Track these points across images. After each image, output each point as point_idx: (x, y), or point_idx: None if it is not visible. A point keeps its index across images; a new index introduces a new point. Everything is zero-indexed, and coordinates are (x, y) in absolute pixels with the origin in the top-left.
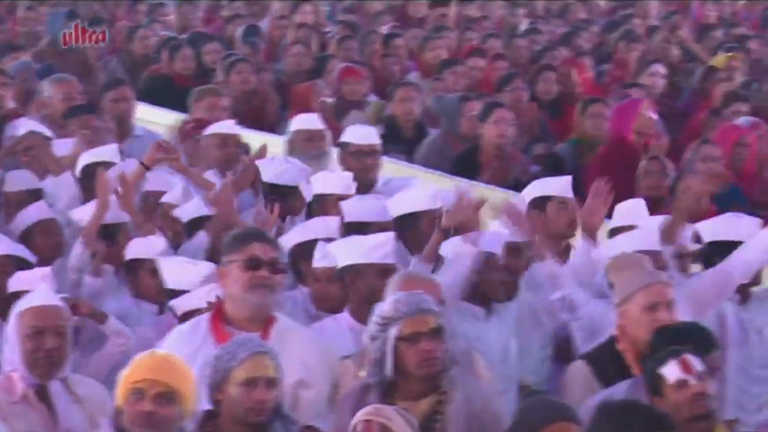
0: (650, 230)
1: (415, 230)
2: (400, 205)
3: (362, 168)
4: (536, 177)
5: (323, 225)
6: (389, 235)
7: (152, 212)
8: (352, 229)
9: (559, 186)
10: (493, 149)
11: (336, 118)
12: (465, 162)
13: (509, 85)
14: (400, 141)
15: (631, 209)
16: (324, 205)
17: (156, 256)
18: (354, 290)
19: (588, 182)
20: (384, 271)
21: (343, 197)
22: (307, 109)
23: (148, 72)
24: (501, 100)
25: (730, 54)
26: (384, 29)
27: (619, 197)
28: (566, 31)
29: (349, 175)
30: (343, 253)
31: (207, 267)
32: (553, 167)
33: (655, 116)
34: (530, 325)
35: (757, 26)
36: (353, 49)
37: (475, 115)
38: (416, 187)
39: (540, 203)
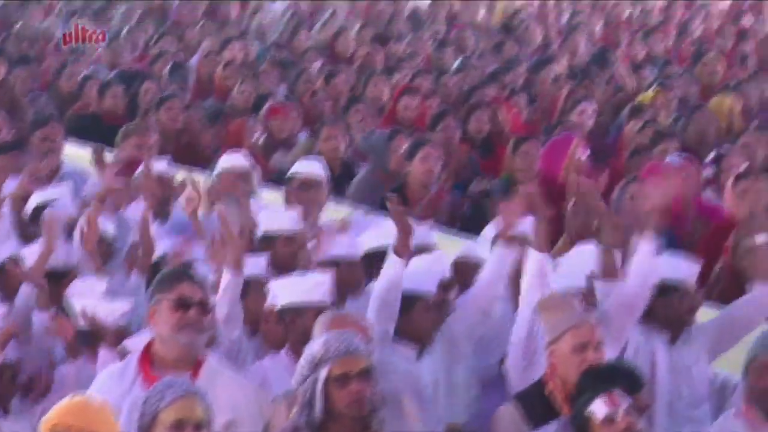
0: (579, 267)
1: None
2: (372, 240)
3: (309, 201)
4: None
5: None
6: (327, 275)
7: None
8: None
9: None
10: (420, 186)
11: (264, 156)
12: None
13: (441, 123)
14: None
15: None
16: (271, 243)
17: (92, 298)
18: (293, 329)
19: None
20: (322, 310)
21: (290, 234)
22: (238, 147)
23: (75, 110)
24: (432, 138)
25: (656, 90)
26: (315, 66)
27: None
28: (496, 69)
29: (296, 211)
30: (282, 293)
31: (122, 305)
32: (486, 204)
33: (585, 155)
34: (455, 360)
35: (684, 62)
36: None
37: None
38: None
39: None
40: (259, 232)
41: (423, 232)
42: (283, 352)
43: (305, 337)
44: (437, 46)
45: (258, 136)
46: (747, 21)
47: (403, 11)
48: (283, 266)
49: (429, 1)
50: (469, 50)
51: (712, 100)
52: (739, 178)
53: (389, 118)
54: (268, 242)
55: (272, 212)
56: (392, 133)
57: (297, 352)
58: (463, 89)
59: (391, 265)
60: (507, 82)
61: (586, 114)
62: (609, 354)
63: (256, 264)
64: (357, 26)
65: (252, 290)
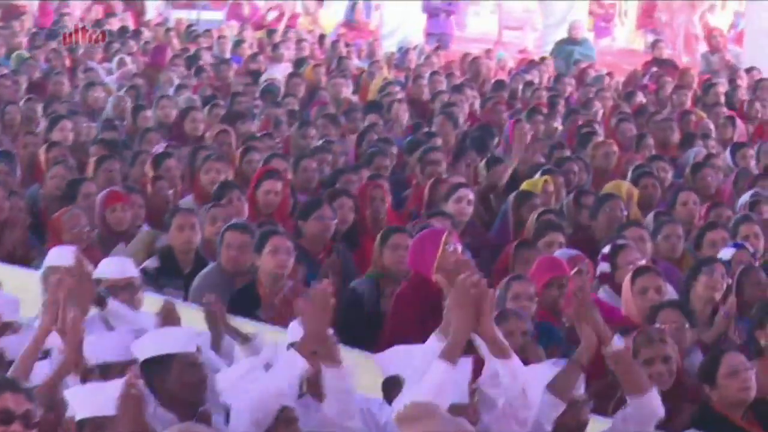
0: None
1: (166, 376)
2: (149, 346)
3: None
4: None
5: None
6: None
7: None
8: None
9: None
10: (271, 282)
11: (102, 250)
12: (243, 297)
13: (314, 213)
14: (179, 275)
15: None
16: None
17: None
18: None
19: (389, 323)
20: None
21: None
22: (62, 241)
23: None
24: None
25: (544, 177)
26: (158, 148)
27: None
28: (365, 151)
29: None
30: (80, 403)
31: None
32: (349, 305)
33: (459, 249)
34: None
35: (571, 141)
36: (115, 171)
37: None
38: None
39: None
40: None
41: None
42: None
43: None
44: (299, 125)
45: (81, 228)
46: (642, 97)
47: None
48: None
49: (286, 71)
50: (333, 130)
51: (607, 186)
52: (637, 274)
53: (250, 205)
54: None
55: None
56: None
57: None
58: (325, 173)
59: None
60: (378, 166)
61: (465, 201)
62: None
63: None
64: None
65: None
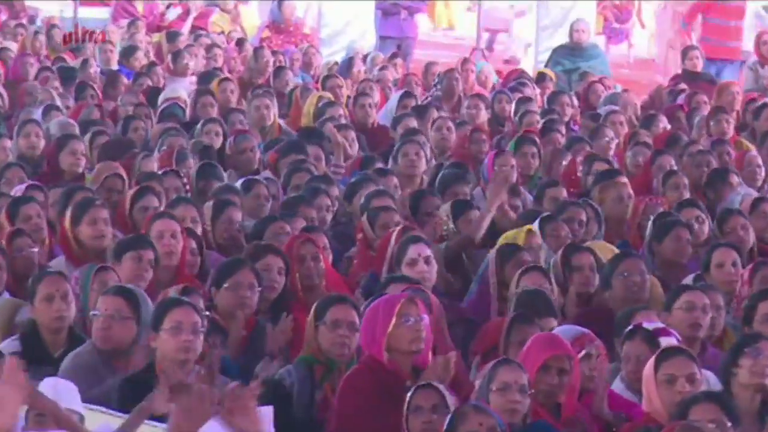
0: None
1: None
2: None
3: None
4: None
5: None
6: None
7: None
8: None
9: None
10: (172, 367)
11: None
12: (134, 389)
13: (235, 274)
14: (46, 360)
15: None
16: None
17: None
18: None
19: (333, 423)
20: None
21: None
22: None
23: None
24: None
25: (528, 227)
26: (17, 191)
27: None
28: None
29: None
30: None
31: None
32: (274, 396)
33: (425, 322)
34: None
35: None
36: None
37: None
38: None
39: None
40: None
41: None
42: None
43: None
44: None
45: None
46: (666, 123)
47: None
48: None
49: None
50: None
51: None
52: (662, 358)
53: None
54: None
55: None
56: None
57: None
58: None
59: None
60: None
61: (422, 262)
62: None
63: None
64: None
65: None
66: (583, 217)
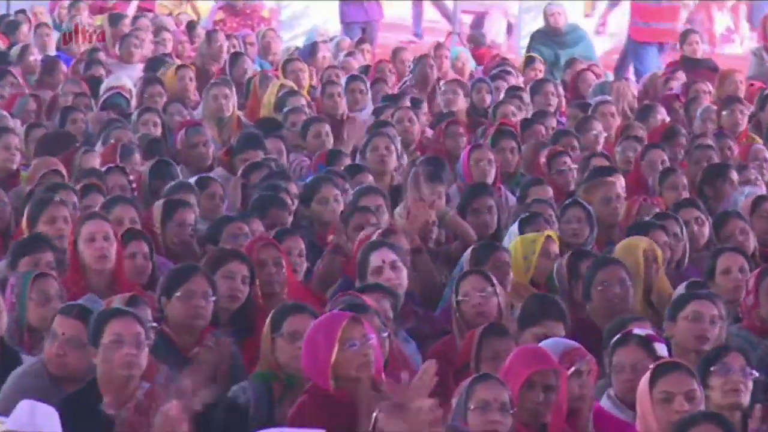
0: None
1: None
2: None
3: None
4: None
5: None
6: None
7: None
8: None
9: None
10: (116, 387)
11: None
12: (76, 408)
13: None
14: None
15: None
16: None
17: None
18: None
19: None
20: None
21: None
22: None
23: None
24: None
25: (547, 233)
26: None
27: None
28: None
29: None
30: None
31: None
32: (226, 417)
33: (372, 342)
34: None
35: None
36: None
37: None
38: None
39: None
40: None
41: None
42: None
43: None
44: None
45: None
46: (664, 114)
47: None
48: None
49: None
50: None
51: (620, 246)
52: (658, 374)
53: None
54: None
55: None
56: None
57: None
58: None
59: None
60: (273, 215)
61: (388, 268)
62: None
63: None
64: None
65: None
66: (574, 222)
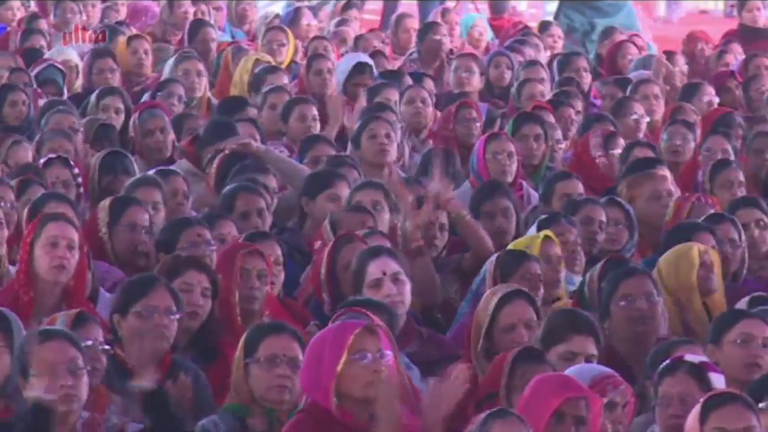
0: None
1: None
2: None
3: None
4: None
5: None
6: None
7: None
8: None
9: None
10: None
11: None
12: None
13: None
14: None
15: None
16: None
17: None
18: None
19: None
20: None
21: None
22: None
23: None
24: None
25: (544, 233)
26: None
27: None
28: None
29: None
30: None
31: None
32: None
33: (387, 359)
34: None
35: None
36: None
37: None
38: None
39: None
40: None
41: None
42: None
43: None
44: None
45: None
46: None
47: None
48: None
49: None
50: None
51: (670, 252)
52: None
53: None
54: None
55: None
56: None
57: None
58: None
59: None
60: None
61: (388, 281)
62: None
63: None
64: None
65: None
66: (602, 219)
